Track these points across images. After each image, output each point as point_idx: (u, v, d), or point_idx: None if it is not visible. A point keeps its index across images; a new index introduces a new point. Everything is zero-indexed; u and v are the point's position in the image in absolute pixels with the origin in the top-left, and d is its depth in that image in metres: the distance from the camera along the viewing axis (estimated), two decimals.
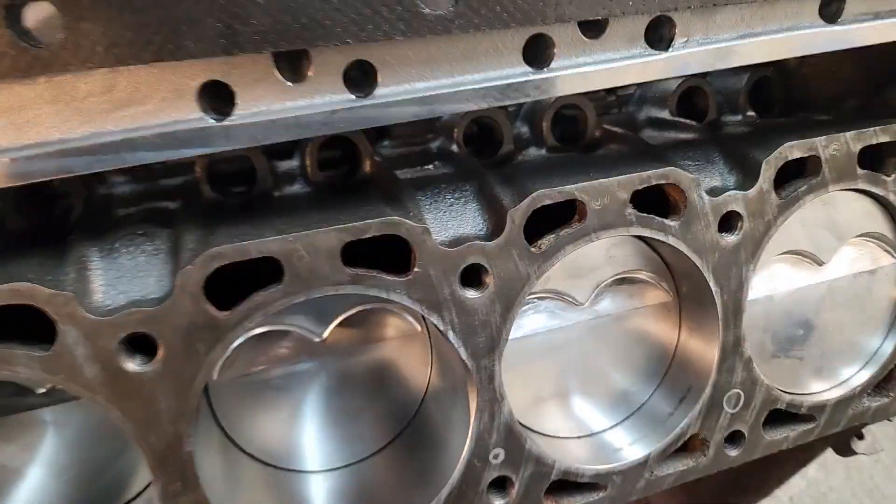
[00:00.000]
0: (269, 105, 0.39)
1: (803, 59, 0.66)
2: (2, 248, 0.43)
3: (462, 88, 0.41)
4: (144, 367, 0.39)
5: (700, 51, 0.45)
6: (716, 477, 1.36)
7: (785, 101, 0.67)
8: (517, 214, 0.44)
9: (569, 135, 0.60)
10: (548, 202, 0.44)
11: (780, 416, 0.57)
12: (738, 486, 1.49)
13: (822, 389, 0.59)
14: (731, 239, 0.51)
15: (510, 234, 0.44)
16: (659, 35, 0.45)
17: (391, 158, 0.57)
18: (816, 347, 0.59)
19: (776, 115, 0.66)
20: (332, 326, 0.50)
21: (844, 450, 0.84)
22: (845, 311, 0.60)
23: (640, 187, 0.47)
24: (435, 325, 0.44)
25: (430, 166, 0.57)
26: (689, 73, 0.48)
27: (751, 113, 0.66)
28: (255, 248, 0.39)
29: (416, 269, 0.42)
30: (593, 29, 0.43)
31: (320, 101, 0.39)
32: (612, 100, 0.64)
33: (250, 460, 0.53)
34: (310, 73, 0.38)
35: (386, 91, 0.40)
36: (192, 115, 0.38)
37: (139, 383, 0.39)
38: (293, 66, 0.39)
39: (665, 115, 0.64)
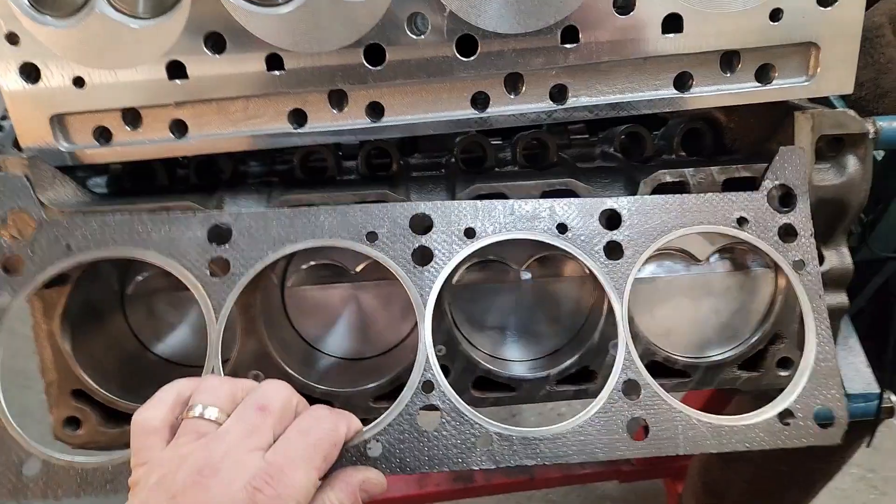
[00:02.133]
0: None
1: (728, 115, 0.88)
2: (183, 192, 0.80)
3: None
4: None
5: (587, 105, 0.72)
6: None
7: (713, 147, 0.89)
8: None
9: (533, 158, 0.88)
10: None
11: (659, 369, 0.79)
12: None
13: (695, 356, 0.80)
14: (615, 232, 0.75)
15: None
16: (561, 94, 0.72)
17: None
18: (692, 325, 0.81)
19: (703, 157, 0.89)
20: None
21: None
22: (719, 301, 0.81)
23: (546, 189, 0.74)
24: None
25: None
26: (579, 119, 0.74)
27: (682, 154, 0.89)
28: None
29: None
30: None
31: None
32: (567, 139, 0.90)
33: None
34: None
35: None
36: None
37: None
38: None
39: (612, 151, 0.89)
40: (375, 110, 0.72)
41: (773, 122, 0.79)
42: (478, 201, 0.73)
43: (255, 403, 0.55)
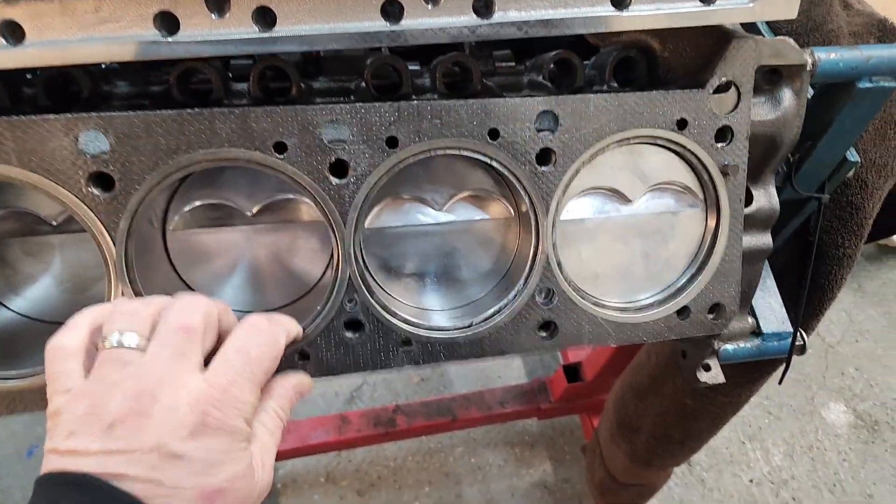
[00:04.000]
0: None
1: (663, 43, 0.81)
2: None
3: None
4: None
5: (516, 20, 0.63)
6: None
7: (647, 78, 0.83)
8: None
9: (454, 85, 0.79)
10: None
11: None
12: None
13: (623, 301, 0.77)
14: (545, 169, 0.69)
15: None
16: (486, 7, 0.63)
17: None
18: (621, 269, 0.77)
19: (635, 88, 0.82)
20: None
21: (693, 380, 1.00)
22: (648, 244, 0.77)
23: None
24: None
25: None
26: (506, 36, 0.65)
27: (614, 84, 0.82)
28: None
29: None
30: None
31: None
32: (492, 65, 0.81)
33: None
34: None
35: None
36: None
37: None
38: None
39: (540, 79, 0.81)
40: (265, 17, 0.60)
41: (710, 51, 0.74)
42: (401, 103, 0.64)
43: (177, 324, 0.51)
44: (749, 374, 1.29)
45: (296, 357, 0.68)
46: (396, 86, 0.77)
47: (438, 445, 2.56)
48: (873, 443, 2.85)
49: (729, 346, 0.96)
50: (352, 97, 0.79)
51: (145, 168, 0.60)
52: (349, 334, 0.69)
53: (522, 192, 0.69)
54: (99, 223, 0.61)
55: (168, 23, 0.59)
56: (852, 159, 0.86)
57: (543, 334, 0.74)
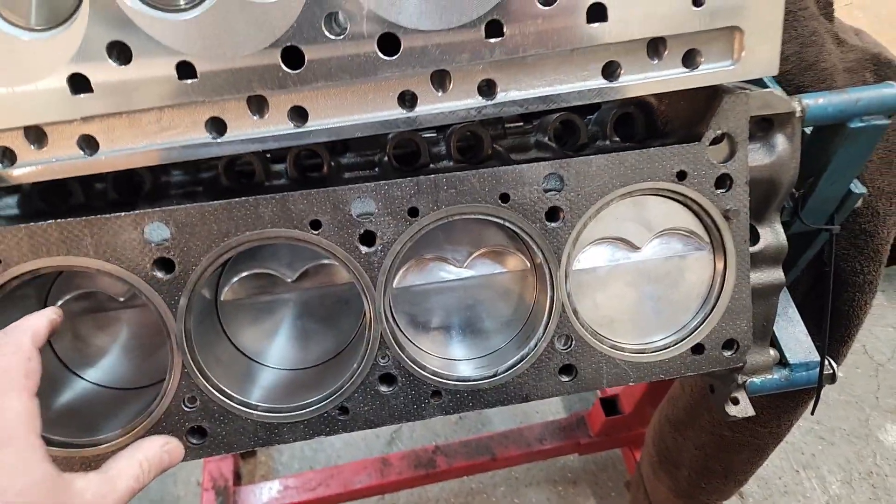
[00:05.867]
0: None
1: (660, 98, 0.88)
2: (102, 209, 0.75)
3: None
4: None
5: (517, 99, 0.70)
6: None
7: (646, 131, 0.89)
8: None
9: (467, 150, 0.87)
10: None
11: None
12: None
13: (639, 343, 0.81)
14: (555, 225, 0.75)
15: None
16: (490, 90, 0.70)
17: None
18: (634, 313, 0.82)
19: (636, 142, 0.89)
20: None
21: (722, 413, 1.03)
22: (658, 288, 0.82)
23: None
24: None
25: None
26: (510, 114, 0.72)
27: (616, 139, 0.89)
28: None
29: None
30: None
31: None
32: (502, 129, 0.89)
33: None
34: None
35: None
36: None
37: None
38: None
39: (546, 140, 0.88)
40: (299, 114, 0.69)
41: (704, 104, 0.80)
42: (420, 178, 0.72)
43: None
44: (784, 405, 1.30)
45: (336, 412, 0.75)
46: (415, 154, 0.86)
47: (480, 485, 2.57)
48: None
49: (756, 379, 0.99)
50: (376, 169, 0.88)
51: (201, 251, 0.69)
52: (383, 388, 0.76)
53: (535, 248, 0.75)
54: (162, 301, 0.69)
55: (217, 126, 0.69)
56: (857, 191, 0.90)
57: (565, 378, 0.79)
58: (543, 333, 0.77)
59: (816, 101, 0.79)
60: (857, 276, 1.05)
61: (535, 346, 0.77)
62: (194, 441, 0.73)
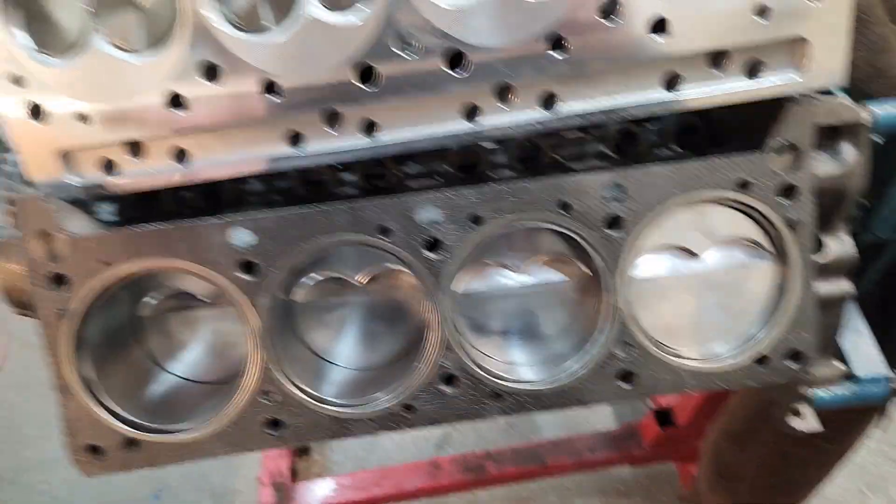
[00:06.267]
0: None
1: (721, 112, 0.88)
2: (190, 215, 0.82)
3: None
4: None
5: (579, 111, 0.73)
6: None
7: (709, 140, 0.90)
8: None
9: (527, 160, 0.89)
10: None
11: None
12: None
13: (695, 352, 0.82)
14: (615, 234, 0.77)
15: None
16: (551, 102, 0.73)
17: None
18: (697, 322, 0.82)
19: (696, 150, 0.89)
20: None
21: (786, 428, 1.01)
22: (722, 296, 0.82)
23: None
24: None
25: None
26: (572, 126, 0.75)
27: (675, 147, 0.90)
28: None
29: None
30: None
31: None
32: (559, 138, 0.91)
33: None
34: None
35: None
36: None
37: None
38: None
39: (604, 149, 0.90)
40: (371, 128, 0.74)
41: (766, 112, 0.80)
42: (484, 187, 0.75)
43: None
44: (851, 420, 1.26)
45: (401, 409, 0.79)
46: (476, 164, 0.89)
47: (530, 493, 2.56)
48: None
49: (823, 393, 0.97)
50: (438, 178, 0.92)
51: (282, 255, 0.74)
52: (446, 388, 0.79)
53: (595, 256, 0.77)
54: (247, 301, 0.75)
55: (298, 140, 0.74)
56: None
57: (624, 385, 0.80)
58: (603, 340, 0.79)
59: (886, 110, 0.78)
60: None
61: (595, 352, 0.79)
62: (271, 432, 0.78)
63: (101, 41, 0.69)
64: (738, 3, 0.67)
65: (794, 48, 0.70)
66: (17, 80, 0.70)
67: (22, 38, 0.69)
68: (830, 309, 0.86)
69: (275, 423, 0.78)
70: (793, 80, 0.71)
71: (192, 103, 0.71)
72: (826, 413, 1.07)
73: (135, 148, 0.75)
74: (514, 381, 0.79)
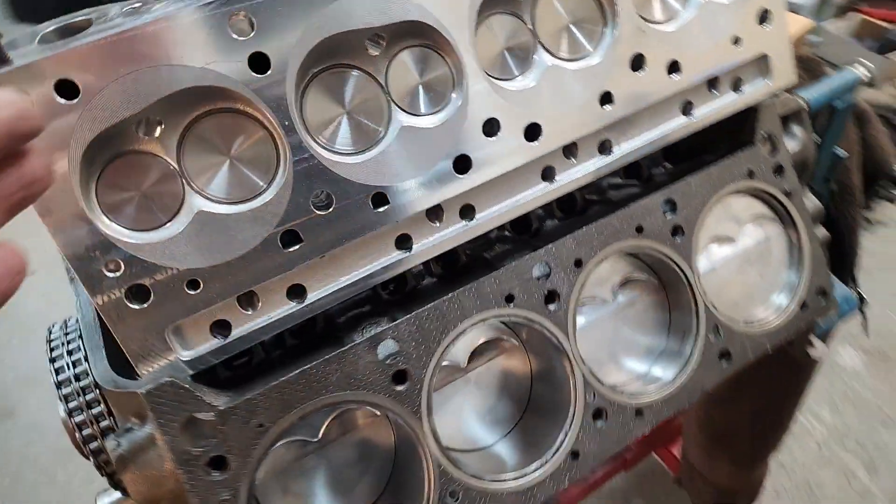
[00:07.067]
0: None
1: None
2: (309, 350, 0.78)
3: None
4: None
5: (629, 150, 0.85)
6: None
7: (689, 151, 1.08)
8: None
9: (565, 209, 1.00)
10: None
11: None
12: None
13: (758, 315, 0.97)
14: (679, 240, 0.90)
15: None
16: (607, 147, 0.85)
17: None
18: (749, 290, 0.98)
19: (682, 162, 1.07)
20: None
21: (804, 358, 1.20)
22: (759, 266, 0.98)
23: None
24: None
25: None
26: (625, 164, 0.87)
27: (667, 164, 1.06)
28: None
29: None
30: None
31: None
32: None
33: None
34: None
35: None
36: None
37: None
38: None
39: (618, 180, 1.04)
40: (469, 211, 0.79)
41: (738, 117, 1.00)
42: (577, 231, 0.83)
43: None
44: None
45: (570, 457, 0.82)
46: (528, 224, 0.98)
47: None
48: (892, 370, 3.14)
49: (821, 322, 1.18)
50: (504, 242, 0.98)
51: (427, 353, 0.75)
52: (600, 423, 0.84)
53: (671, 263, 0.88)
54: (405, 411, 0.73)
55: (405, 242, 0.76)
56: (843, 154, 1.14)
57: (724, 364, 0.91)
58: (697, 331, 0.90)
59: (811, 94, 1.02)
60: (851, 220, 1.30)
61: (696, 343, 0.89)
62: None
63: (199, 200, 0.66)
64: (721, 38, 0.85)
65: (760, 63, 0.90)
66: (113, 267, 0.64)
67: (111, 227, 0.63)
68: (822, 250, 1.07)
69: None
70: (766, 86, 0.91)
71: (308, 236, 0.70)
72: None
73: (248, 299, 0.71)
74: (650, 394, 0.86)
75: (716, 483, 2.09)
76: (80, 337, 0.76)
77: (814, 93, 1.02)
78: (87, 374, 0.72)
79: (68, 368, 0.73)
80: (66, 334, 0.76)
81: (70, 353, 0.74)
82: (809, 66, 1.29)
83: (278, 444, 0.74)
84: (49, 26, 0.61)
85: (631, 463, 2.44)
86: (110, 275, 0.62)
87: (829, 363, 3.15)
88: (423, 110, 0.73)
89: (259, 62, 0.63)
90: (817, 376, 3.12)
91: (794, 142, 1.01)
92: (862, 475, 2.73)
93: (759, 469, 2.02)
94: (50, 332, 0.77)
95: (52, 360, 0.72)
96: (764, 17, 0.88)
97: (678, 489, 2.49)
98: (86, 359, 0.73)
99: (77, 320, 0.78)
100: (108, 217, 0.62)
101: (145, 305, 0.65)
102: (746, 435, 1.83)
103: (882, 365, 3.13)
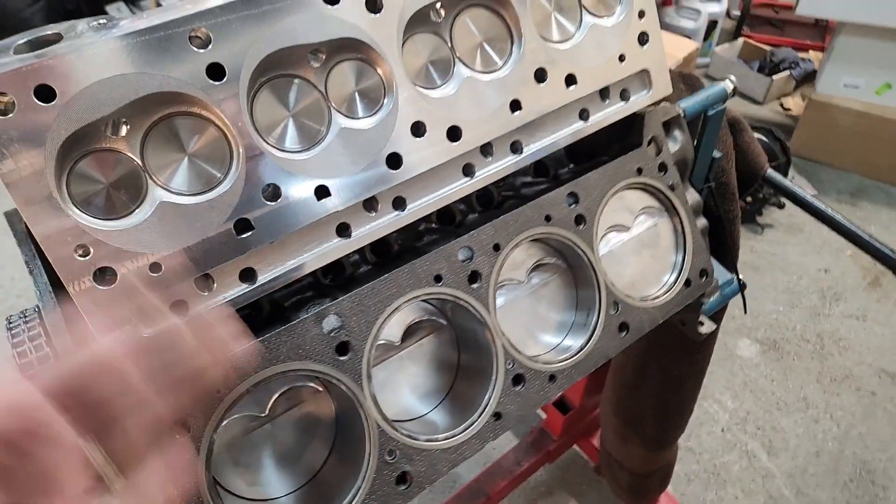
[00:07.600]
0: None
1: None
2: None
3: None
4: None
5: (536, 149, 1.00)
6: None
7: (588, 153, 1.24)
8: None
9: (483, 203, 1.13)
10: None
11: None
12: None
13: (651, 293, 1.14)
14: (582, 227, 1.05)
15: None
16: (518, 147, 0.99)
17: None
18: (644, 271, 1.14)
19: (583, 162, 1.23)
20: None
21: (696, 336, 1.39)
22: (651, 250, 1.15)
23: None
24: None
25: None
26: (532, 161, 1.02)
27: (571, 165, 1.23)
28: None
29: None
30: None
31: None
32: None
33: None
34: None
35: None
36: None
37: None
38: None
39: (529, 179, 1.19)
40: (401, 203, 0.90)
41: (626, 123, 1.17)
42: (496, 220, 0.96)
43: None
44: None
45: (493, 419, 0.94)
46: (452, 216, 1.10)
47: None
48: (782, 358, 3.48)
49: (707, 302, 1.37)
50: (426, 236, 1.10)
51: (369, 324, 0.85)
52: (518, 388, 0.96)
53: (575, 247, 1.03)
54: (349, 379, 0.83)
55: (344, 229, 0.86)
56: (717, 155, 1.34)
57: (623, 334, 1.07)
58: (599, 306, 1.05)
59: (688, 103, 1.21)
60: (728, 213, 1.51)
61: (598, 317, 1.04)
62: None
63: (160, 192, 0.74)
64: (609, 55, 1.02)
65: (643, 76, 1.08)
66: (84, 251, 0.70)
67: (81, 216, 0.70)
68: (703, 237, 1.25)
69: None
70: (648, 96, 1.08)
71: (258, 224, 0.79)
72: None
73: (204, 281, 0.79)
74: (563, 360, 1.00)
75: (630, 468, 2.26)
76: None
77: (690, 102, 1.21)
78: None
79: (30, 353, 0.78)
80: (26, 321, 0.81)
81: (31, 338, 0.78)
82: (691, 82, 1.50)
83: (232, 415, 0.82)
84: (21, 38, 0.68)
85: (554, 455, 2.60)
86: (80, 259, 0.69)
87: (729, 354, 3.47)
88: (359, 114, 0.84)
89: (215, 71, 0.72)
90: (719, 368, 3.45)
91: (675, 144, 1.20)
92: (762, 456, 3.01)
93: (669, 452, 2.21)
94: (9, 321, 0.81)
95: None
96: (643, 38, 1.05)
97: (598, 479, 2.67)
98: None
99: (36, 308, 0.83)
100: (78, 207, 0.69)
101: (112, 287, 0.72)
102: (651, 416, 2.02)
103: (774, 354, 3.48)
